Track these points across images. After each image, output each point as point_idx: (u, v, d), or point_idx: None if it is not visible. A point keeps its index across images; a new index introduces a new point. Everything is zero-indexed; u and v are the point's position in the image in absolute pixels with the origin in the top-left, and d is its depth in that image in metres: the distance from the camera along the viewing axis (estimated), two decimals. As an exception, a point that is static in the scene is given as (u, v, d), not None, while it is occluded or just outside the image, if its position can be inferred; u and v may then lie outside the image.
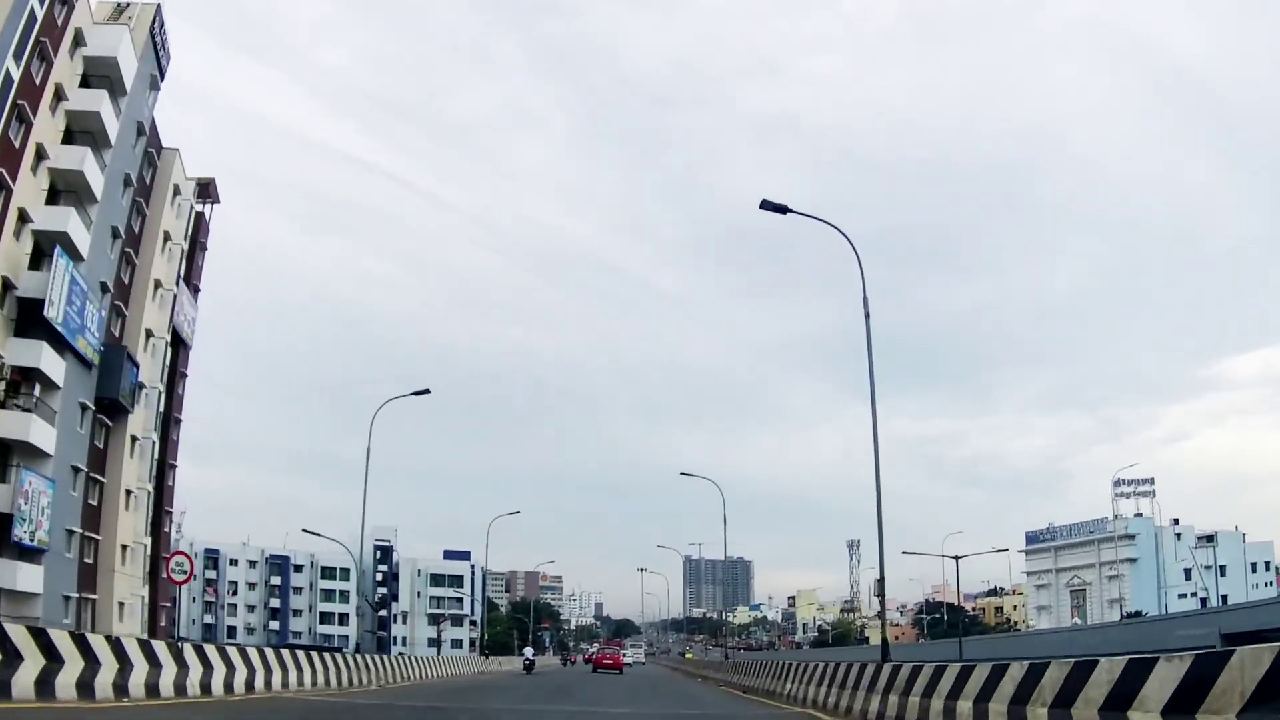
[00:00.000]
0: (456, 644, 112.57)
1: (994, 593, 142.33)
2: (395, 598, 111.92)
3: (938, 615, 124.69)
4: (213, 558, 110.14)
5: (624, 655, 72.17)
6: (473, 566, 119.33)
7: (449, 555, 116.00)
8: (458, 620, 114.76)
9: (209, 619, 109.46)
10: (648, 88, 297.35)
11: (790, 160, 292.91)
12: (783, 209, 20.73)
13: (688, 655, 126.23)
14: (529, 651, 57.48)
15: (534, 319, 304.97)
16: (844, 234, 19.86)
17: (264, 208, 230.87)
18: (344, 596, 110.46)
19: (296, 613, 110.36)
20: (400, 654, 68.90)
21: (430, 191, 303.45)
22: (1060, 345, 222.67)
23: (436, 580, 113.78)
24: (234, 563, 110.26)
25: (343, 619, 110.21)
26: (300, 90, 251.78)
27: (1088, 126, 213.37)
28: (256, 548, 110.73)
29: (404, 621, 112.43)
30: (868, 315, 19.13)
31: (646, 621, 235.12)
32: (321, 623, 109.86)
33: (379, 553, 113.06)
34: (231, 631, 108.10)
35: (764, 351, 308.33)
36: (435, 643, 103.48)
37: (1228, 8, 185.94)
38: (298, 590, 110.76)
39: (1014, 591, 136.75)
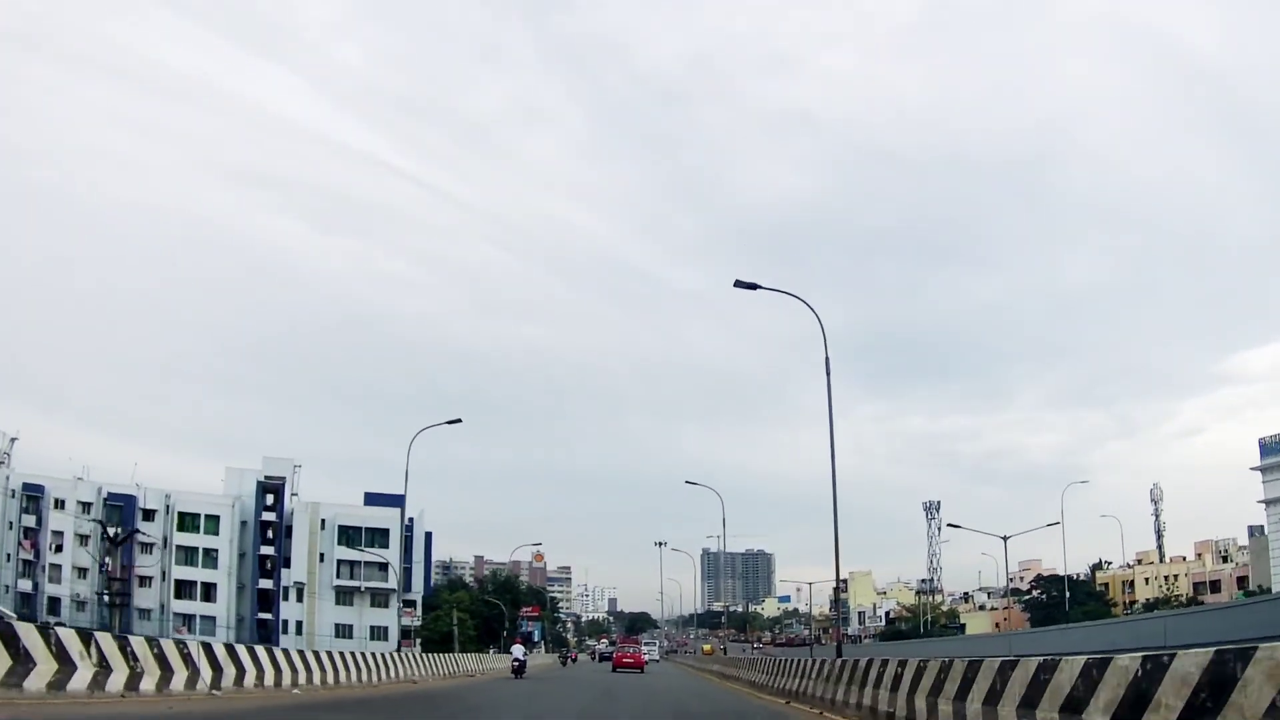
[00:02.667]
0: (378, 633, 79.26)
1: (1098, 567, 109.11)
2: (287, 562, 78.50)
3: (1054, 593, 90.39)
4: (34, 497, 77.47)
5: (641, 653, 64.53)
6: (410, 522, 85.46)
7: (371, 500, 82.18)
8: (380, 598, 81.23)
9: (26, 584, 76.76)
10: (662, 84, 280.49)
11: (806, 156, 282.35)
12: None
13: (705, 649, 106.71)
14: (519, 650, 45.67)
15: (550, 317, 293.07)
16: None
17: (277, 206, 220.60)
18: (210, 558, 77.27)
19: (144, 581, 77.20)
20: (288, 650, 44.64)
21: (444, 189, 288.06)
22: (1074, 341, 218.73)
23: (349, 536, 79.69)
24: (60, 505, 77.27)
25: (208, 592, 77.06)
26: (312, 88, 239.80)
27: (1103, 121, 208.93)
28: (93, 484, 77.56)
29: (299, 598, 78.74)
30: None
31: (665, 617, 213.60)
32: (177, 596, 76.78)
33: (266, 494, 79.95)
34: (54, 605, 75.65)
35: (778, 348, 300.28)
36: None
37: (1244, 2, 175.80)
38: (147, 548, 77.52)
39: (1139, 561, 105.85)
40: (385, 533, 79.09)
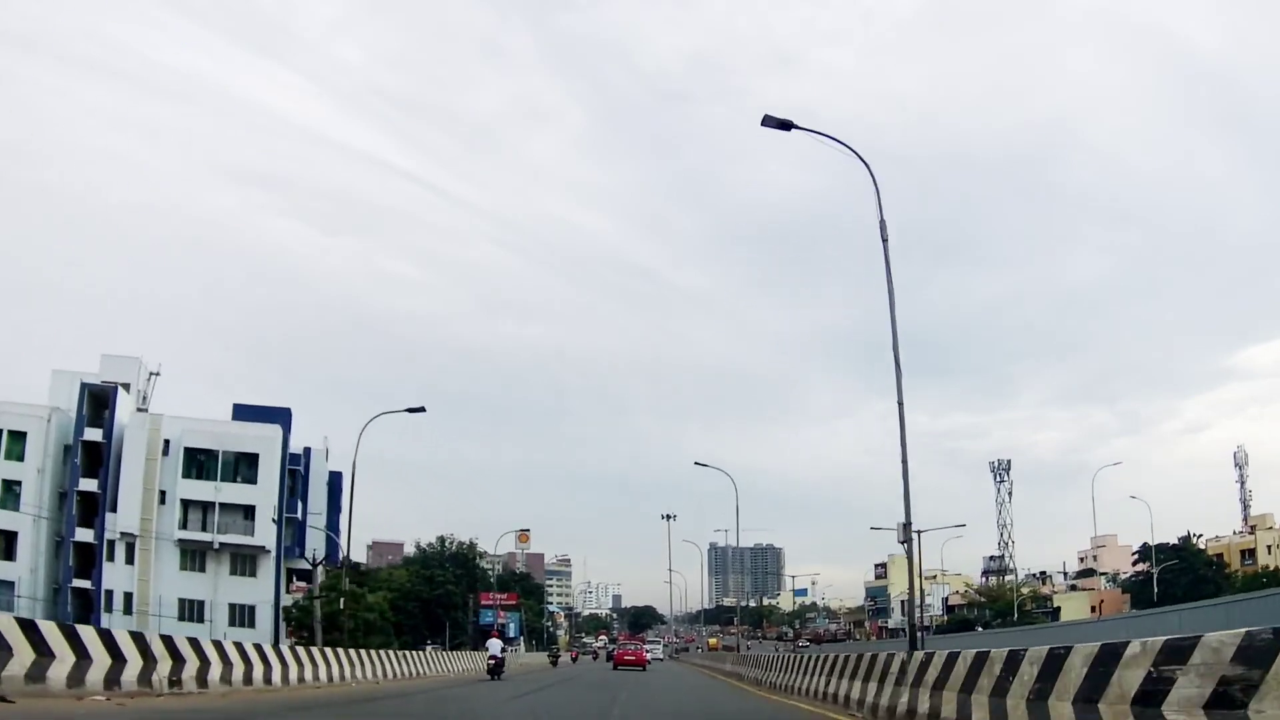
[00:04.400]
0: (242, 615, 56.86)
1: (1186, 540, 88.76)
2: (114, 504, 55.96)
3: (1172, 567, 67.63)
4: None
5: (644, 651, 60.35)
6: (305, 454, 62.76)
7: (241, 415, 59.59)
8: (245, 562, 58.35)
9: None
10: (663, 82, 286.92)
11: (808, 154, 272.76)
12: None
13: (711, 642, 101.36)
14: (495, 646, 36.31)
15: (553, 317, 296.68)
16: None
17: (278, 206, 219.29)
18: (13, 495, 55.02)
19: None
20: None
21: (446, 189, 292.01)
22: (1078, 338, 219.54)
23: (201, 464, 57.06)
24: None
25: (8, 547, 54.73)
26: (313, 88, 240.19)
27: (1106, 118, 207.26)
28: None
29: (130, 558, 56.03)
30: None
31: (673, 610, 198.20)
32: (-37, 549, 54.48)
33: (101, 408, 57.62)
34: None
35: (784, 347, 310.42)
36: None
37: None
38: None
39: (1252, 529, 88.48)
40: (255, 460, 56.48)
